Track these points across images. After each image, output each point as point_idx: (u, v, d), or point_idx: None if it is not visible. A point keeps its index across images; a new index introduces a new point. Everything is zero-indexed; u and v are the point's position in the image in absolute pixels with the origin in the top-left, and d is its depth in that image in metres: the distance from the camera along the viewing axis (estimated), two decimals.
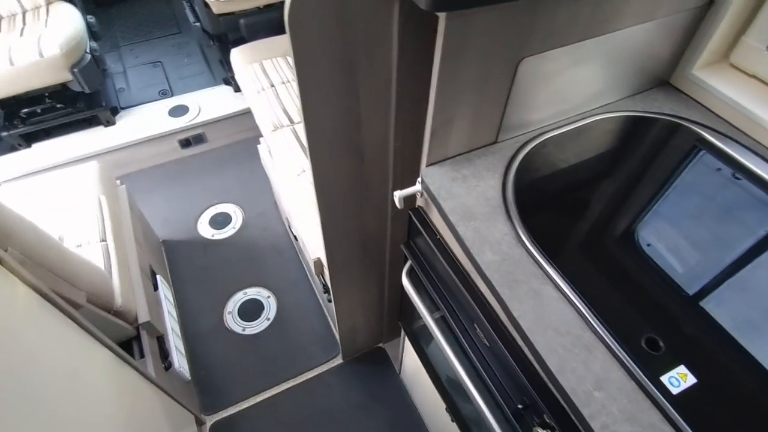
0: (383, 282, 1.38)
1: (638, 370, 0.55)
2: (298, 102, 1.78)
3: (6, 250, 0.78)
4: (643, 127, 0.89)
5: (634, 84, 0.92)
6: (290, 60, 1.99)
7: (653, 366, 0.56)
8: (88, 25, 2.17)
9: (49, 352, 0.79)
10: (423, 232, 0.84)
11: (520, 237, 0.69)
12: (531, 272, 0.65)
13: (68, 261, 1.01)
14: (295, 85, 1.86)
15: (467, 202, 0.74)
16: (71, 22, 2.01)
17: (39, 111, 2.14)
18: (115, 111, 2.40)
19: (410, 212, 0.87)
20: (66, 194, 1.52)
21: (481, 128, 0.77)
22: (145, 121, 2.38)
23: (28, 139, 2.23)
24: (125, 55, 2.80)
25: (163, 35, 2.93)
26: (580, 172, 0.84)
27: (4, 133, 2.14)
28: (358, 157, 0.88)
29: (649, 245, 0.70)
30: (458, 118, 0.71)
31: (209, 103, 2.48)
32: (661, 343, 0.58)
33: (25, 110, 2.11)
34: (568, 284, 0.63)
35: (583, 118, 0.89)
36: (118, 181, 1.76)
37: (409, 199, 0.83)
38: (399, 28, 0.67)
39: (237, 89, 2.53)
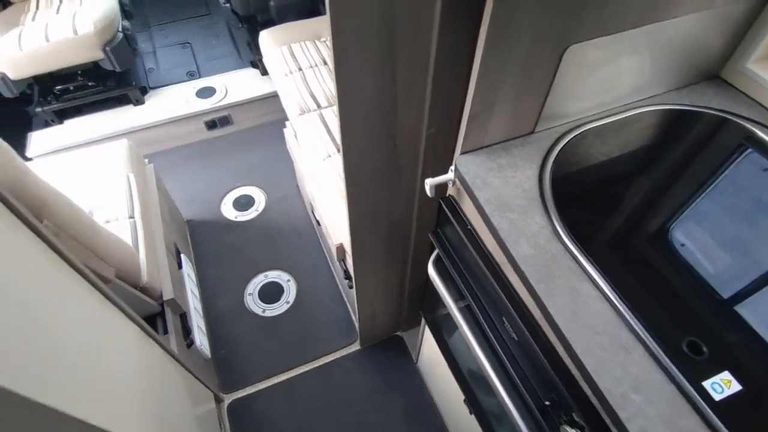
0: (406, 270, 1.37)
1: (679, 373, 0.53)
2: (325, 86, 1.78)
3: (42, 222, 0.79)
4: (689, 121, 0.85)
5: (682, 76, 0.88)
6: (319, 44, 1.98)
7: (695, 370, 0.53)
8: (121, 4, 2.19)
9: (79, 323, 0.80)
10: (453, 221, 0.82)
11: (558, 231, 0.67)
12: (568, 268, 0.63)
13: (99, 236, 1.02)
14: (323, 69, 1.85)
15: (503, 193, 0.72)
16: (105, 1, 2.03)
17: (71, 88, 2.17)
18: (144, 90, 2.42)
19: (440, 201, 0.85)
20: (96, 171, 1.54)
21: (520, 117, 0.74)
22: (172, 102, 2.39)
23: (61, 116, 2.27)
24: (155, 35, 2.81)
25: (192, 16, 2.94)
26: (620, 166, 0.81)
27: (38, 109, 2.18)
28: (390, 141, 0.86)
29: (683, 245, 0.67)
30: (497, 105, 0.69)
31: (236, 85, 2.48)
32: (704, 348, 0.55)
33: (59, 87, 2.14)
34: (607, 282, 0.60)
35: (626, 110, 0.85)
36: (146, 160, 1.78)
37: (440, 188, 0.81)
38: (442, 7, 0.65)
39: (264, 72, 2.52)
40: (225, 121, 2.46)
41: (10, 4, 2.15)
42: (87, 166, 1.56)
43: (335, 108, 1.66)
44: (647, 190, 0.77)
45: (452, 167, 0.77)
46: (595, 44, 0.69)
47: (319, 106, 1.73)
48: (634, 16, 0.69)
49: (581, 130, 0.81)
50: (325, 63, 1.89)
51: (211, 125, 2.45)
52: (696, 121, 0.85)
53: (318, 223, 1.78)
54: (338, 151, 1.56)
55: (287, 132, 1.88)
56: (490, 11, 0.55)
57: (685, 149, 0.83)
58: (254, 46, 2.49)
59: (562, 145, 0.78)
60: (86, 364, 0.75)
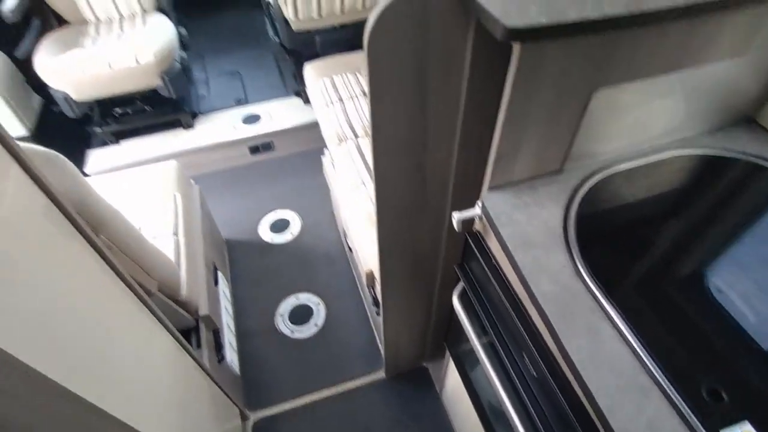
0: (432, 300, 1.39)
1: (696, 420, 0.53)
2: (363, 117, 1.85)
3: (98, 236, 0.87)
4: (722, 167, 0.85)
5: (715, 119, 0.89)
6: (359, 76, 2.07)
7: (713, 418, 0.53)
8: (179, 36, 2.36)
9: (123, 331, 0.86)
10: (479, 256, 0.84)
11: (579, 270, 0.68)
12: (588, 307, 0.64)
13: (146, 251, 1.10)
14: (362, 100, 1.93)
15: (527, 230, 0.74)
16: (165, 33, 2.20)
17: (129, 111, 2.35)
18: (194, 115, 2.57)
19: (467, 235, 0.88)
20: (147, 189, 1.65)
21: (547, 156, 0.77)
22: (220, 127, 2.53)
23: (118, 136, 2.44)
24: (209, 65, 3.00)
25: (243, 47, 3.13)
26: (647, 208, 0.82)
27: (98, 129, 2.36)
28: (420, 174, 0.90)
29: (720, 291, 0.67)
30: (524, 145, 0.72)
31: (280, 113, 2.61)
32: (724, 395, 0.55)
33: (118, 110, 2.31)
34: (627, 323, 0.61)
35: (656, 152, 0.86)
36: (193, 181, 1.89)
37: (467, 222, 0.84)
38: (472, 51, 0.69)
39: (307, 101, 2.64)
40: (267, 146, 2.58)
41: (66, 23, 2.35)
42: (139, 184, 1.68)
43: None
44: (676, 233, 0.77)
45: (479, 202, 0.80)
46: (624, 88, 0.72)
47: (356, 135, 1.80)
48: (664, 62, 0.71)
49: (609, 171, 0.83)
50: (365, 94, 1.97)
51: (254, 150, 2.57)
52: (730, 167, 0.85)
53: (350, 249, 1.83)
54: (372, 180, 1.61)
55: (325, 160, 1.95)
56: (517, 59, 0.58)
57: (718, 195, 0.83)
58: (298, 77, 2.61)
59: (588, 186, 0.80)
60: (127, 369, 0.80)
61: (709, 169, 0.86)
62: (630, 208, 0.82)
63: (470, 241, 0.87)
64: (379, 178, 0.89)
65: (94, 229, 0.86)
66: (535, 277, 0.68)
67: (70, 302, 0.70)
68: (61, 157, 0.85)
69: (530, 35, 0.55)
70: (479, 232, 0.86)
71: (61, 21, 2.32)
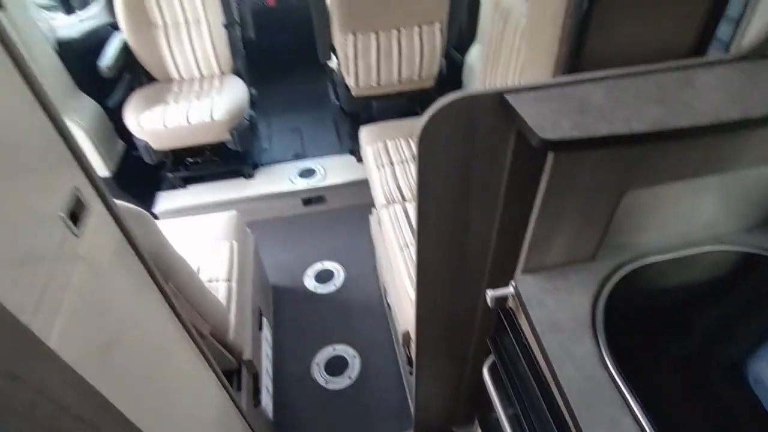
0: (464, 367, 1.41)
1: None
2: (412, 181, 1.96)
3: (168, 283, 0.98)
4: (759, 265, 0.86)
5: (752, 217, 0.91)
6: (411, 142, 2.20)
7: None
8: (250, 96, 2.60)
9: (177, 369, 0.96)
10: (510, 333, 0.88)
11: (605, 359, 0.71)
12: (611, 398, 0.67)
13: (205, 298, 1.21)
14: (411, 165, 2.04)
15: (556, 315, 0.78)
16: (238, 93, 2.44)
17: (199, 160, 2.58)
18: (256, 166, 2.78)
19: (500, 311, 0.92)
20: (209, 234, 1.79)
21: (579, 246, 0.82)
22: (278, 178, 2.72)
23: (186, 181, 2.67)
24: (273, 121, 3.26)
25: (305, 107, 3.38)
26: (679, 300, 0.84)
27: (170, 174, 2.60)
28: (460, 251, 0.96)
29: (758, 382, 0.67)
30: (557, 236, 0.78)
31: (334, 169, 2.77)
32: None
33: (190, 159, 2.56)
34: (648, 420, 0.63)
35: (690, 246, 0.89)
36: (249, 230, 2.03)
37: (501, 300, 0.89)
38: (513, 152, 0.77)
39: (359, 160, 2.80)
40: (319, 199, 2.73)
41: (154, 80, 2.65)
42: (202, 229, 1.83)
43: None
44: (706, 330, 0.79)
45: (512, 283, 0.85)
46: (655, 189, 0.77)
47: (403, 198, 1.90)
48: (694, 168, 0.76)
49: (641, 263, 0.86)
50: (414, 159, 2.09)
51: (307, 202, 2.73)
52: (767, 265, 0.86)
53: (389, 306, 1.88)
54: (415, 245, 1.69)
55: (372, 218, 2.06)
56: (550, 165, 0.66)
57: (755, 291, 0.84)
58: (354, 137, 2.79)
59: (620, 276, 0.84)
60: (177, 405, 0.88)
61: (745, 265, 0.87)
62: (661, 299, 0.84)
63: (503, 317, 0.91)
64: (421, 251, 0.96)
65: (165, 277, 0.98)
66: (560, 362, 0.72)
67: (138, 338, 0.80)
68: (147, 214, 0.98)
69: (563, 146, 0.62)
70: (512, 310, 0.91)
71: (150, 78, 2.63)
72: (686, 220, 0.88)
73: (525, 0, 1.89)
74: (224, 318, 1.42)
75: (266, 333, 1.83)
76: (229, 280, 1.63)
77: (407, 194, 1.91)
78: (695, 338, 0.78)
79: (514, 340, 0.86)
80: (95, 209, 0.72)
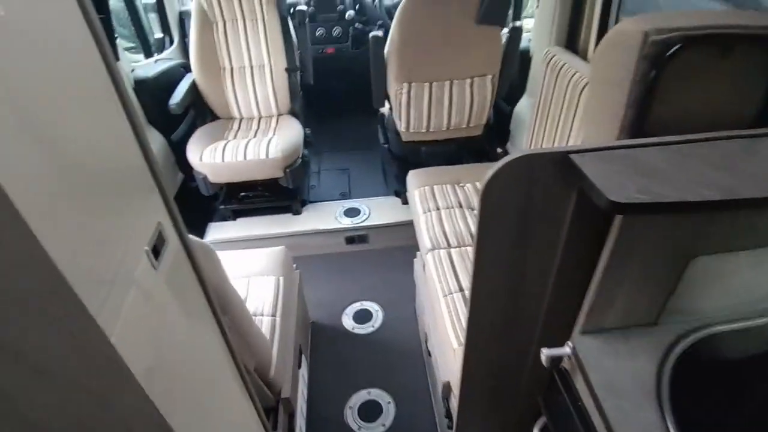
0: (508, 426, 1.35)
1: None
2: (457, 227, 1.96)
3: (225, 317, 1.02)
4: None
5: None
6: (458, 188, 2.22)
7: None
8: (305, 135, 2.71)
9: (224, 404, 0.97)
10: (564, 394, 0.85)
11: (669, 430, 0.67)
12: None
13: (253, 333, 1.24)
14: (457, 211, 2.05)
15: (617, 379, 0.75)
16: (293, 133, 2.56)
17: (251, 195, 2.69)
18: (303, 203, 2.86)
19: (553, 371, 0.90)
20: (257, 268, 1.84)
21: (641, 309, 0.80)
22: (324, 216, 2.79)
23: (236, 214, 2.77)
24: (323, 159, 3.38)
25: (354, 148, 3.49)
26: (747, 374, 0.79)
27: (222, 207, 2.71)
28: (513, 304, 0.95)
29: None
30: (618, 298, 0.76)
31: (378, 209, 2.82)
32: None
33: (243, 193, 2.67)
34: None
35: (758, 317, 0.84)
36: (295, 265, 2.08)
37: (555, 359, 0.86)
38: (573, 210, 0.77)
39: (404, 202, 2.83)
40: (362, 239, 2.77)
41: (218, 118, 2.81)
42: (251, 262, 1.88)
43: (463, 250, 1.82)
44: None
45: (569, 343, 0.83)
46: (723, 257, 0.75)
47: (449, 245, 1.90)
48: (765, 236, 0.73)
49: (709, 331, 0.82)
50: (461, 206, 2.10)
51: (350, 240, 2.77)
52: None
53: (429, 353, 1.85)
54: (460, 290, 1.67)
55: (417, 262, 2.06)
56: (617, 229, 0.65)
57: None
58: (400, 179, 2.85)
59: (686, 343, 0.80)
60: None
61: None
62: (727, 369, 0.80)
63: (557, 377, 0.88)
64: (474, 300, 0.95)
65: (222, 310, 1.01)
66: (621, 429, 0.69)
67: (191, 367, 0.82)
68: (213, 250, 1.03)
69: (631, 209, 0.62)
70: (566, 370, 0.88)
71: (212, 115, 2.80)
72: (753, 289, 0.84)
73: (582, 60, 1.93)
74: (267, 354, 1.44)
75: (304, 371, 1.83)
76: (273, 315, 1.66)
77: (452, 240, 1.91)
78: (763, 413, 0.73)
79: (569, 402, 0.83)
80: (173, 244, 0.76)
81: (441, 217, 2.03)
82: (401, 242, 2.77)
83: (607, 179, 0.66)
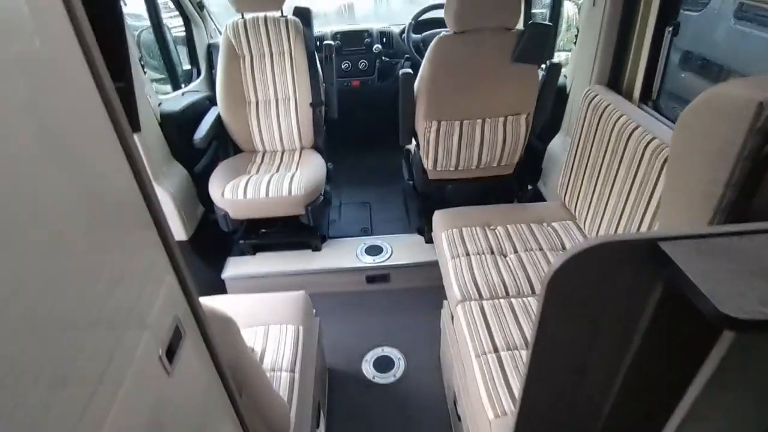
0: None
1: None
2: (489, 276, 1.83)
3: (241, 396, 0.91)
4: None
5: None
6: (488, 231, 2.10)
7: None
8: (327, 171, 2.64)
9: None
10: None
11: None
12: None
13: (270, 400, 1.12)
14: (488, 258, 1.92)
15: None
16: (316, 170, 2.48)
17: (271, 230, 2.61)
18: (324, 239, 2.77)
19: None
20: (276, 314, 1.73)
21: (742, 428, 0.66)
22: (344, 253, 2.68)
23: (255, 249, 2.69)
24: (343, 193, 3.30)
25: (376, 182, 3.41)
26: None
27: (241, 241, 2.63)
28: (570, 400, 0.82)
29: None
30: (715, 418, 0.62)
31: (401, 248, 2.70)
32: None
33: (263, 230, 2.59)
34: None
35: None
36: (314, 310, 1.96)
37: None
38: (656, 307, 0.65)
39: (428, 241, 2.72)
40: (384, 278, 2.65)
41: (241, 151, 2.75)
42: (269, 307, 1.77)
43: (497, 303, 1.69)
44: None
45: None
46: None
47: (480, 296, 1.76)
48: None
49: None
50: (492, 252, 1.97)
51: (371, 279, 2.65)
52: None
53: (459, 417, 1.70)
54: (494, 350, 1.53)
55: (444, 312, 1.93)
56: (726, 348, 0.53)
57: None
58: (424, 217, 2.74)
59: None
60: None
61: None
62: None
63: None
64: (527, 394, 0.82)
65: (239, 388, 0.90)
66: None
67: None
68: (233, 321, 0.93)
69: (753, 327, 0.49)
70: None
71: (235, 148, 2.75)
72: None
73: (627, 101, 1.82)
74: (285, 417, 1.32)
75: (322, 429, 1.70)
76: (292, 370, 1.54)
77: (485, 291, 1.77)
78: None
79: None
80: (189, 339, 0.66)
81: (471, 264, 1.90)
82: (424, 282, 2.64)
83: (714, 281, 0.53)
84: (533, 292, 1.78)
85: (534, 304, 1.69)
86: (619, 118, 1.72)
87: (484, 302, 1.73)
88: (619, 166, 1.70)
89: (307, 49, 2.54)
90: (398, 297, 2.63)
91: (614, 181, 1.74)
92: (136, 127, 0.60)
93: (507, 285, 1.79)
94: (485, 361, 1.52)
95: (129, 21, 2.95)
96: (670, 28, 1.73)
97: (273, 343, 1.62)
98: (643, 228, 1.55)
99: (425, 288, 2.62)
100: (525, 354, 1.51)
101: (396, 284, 2.68)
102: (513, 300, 1.72)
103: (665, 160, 1.45)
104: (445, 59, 2.02)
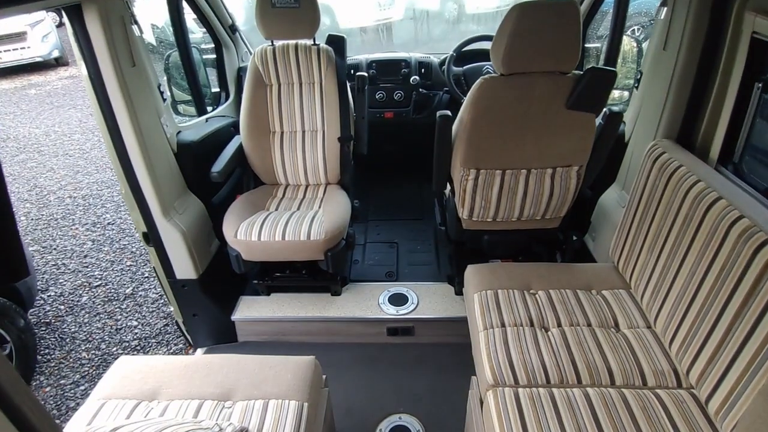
0: None
1: None
2: (527, 355, 1.57)
3: None
4: None
5: None
6: (528, 296, 1.83)
7: None
8: (352, 209, 2.43)
9: None
10: None
11: None
12: None
13: None
14: (528, 331, 1.65)
15: None
16: (340, 211, 2.27)
17: (287, 273, 2.41)
18: (344, 282, 2.55)
19: None
20: (279, 383, 1.51)
21: None
22: (365, 301, 2.46)
23: (269, 289, 2.50)
24: (370, 230, 3.08)
25: (405, 219, 3.18)
26: None
27: (255, 281, 2.45)
28: None
29: None
30: None
31: (428, 299, 2.46)
32: None
33: (278, 273, 2.40)
34: None
35: None
36: (324, 376, 1.74)
37: None
38: None
39: (458, 293, 2.47)
40: (407, 331, 2.41)
41: (262, 183, 2.58)
42: (274, 372, 1.56)
43: (535, 392, 1.42)
44: None
45: None
46: None
47: (516, 382, 1.50)
48: None
49: None
50: (531, 324, 1.71)
51: (393, 332, 2.41)
52: None
53: None
54: None
55: (472, 393, 1.67)
56: None
57: None
58: (455, 265, 2.49)
59: None
60: None
61: None
62: None
63: None
64: None
65: None
66: None
67: None
68: None
69: None
70: None
71: (256, 179, 2.58)
72: None
73: (702, 162, 1.54)
74: None
75: None
76: None
77: (521, 376, 1.51)
78: None
79: None
80: None
81: (506, 339, 1.64)
82: (451, 339, 2.39)
83: None
84: (578, 381, 1.50)
85: (579, 398, 1.42)
86: (694, 184, 1.45)
87: (520, 390, 1.46)
88: (692, 242, 1.43)
89: (339, 78, 2.37)
90: (422, 353, 2.37)
91: (684, 257, 1.46)
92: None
93: (548, 370, 1.53)
94: None
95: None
96: (760, 84, 1.45)
97: (270, 425, 1.40)
98: (719, 329, 1.27)
99: (453, 344, 2.36)
100: None
101: (421, 338, 2.43)
102: (554, 390, 1.45)
103: (757, 248, 1.18)
104: (489, 103, 1.80)
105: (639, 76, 1.97)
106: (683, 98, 1.68)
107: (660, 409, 1.37)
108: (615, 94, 2.72)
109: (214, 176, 2.15)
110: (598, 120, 1.88)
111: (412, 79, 2.97)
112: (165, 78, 2.75)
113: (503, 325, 1.71)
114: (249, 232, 2.11)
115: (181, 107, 2.86)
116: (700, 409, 1.37)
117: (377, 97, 3.03)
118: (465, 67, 2.90)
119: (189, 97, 2.82)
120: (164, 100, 2.07)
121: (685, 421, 1.34)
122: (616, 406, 1.39)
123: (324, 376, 1.73)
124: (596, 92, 1.71)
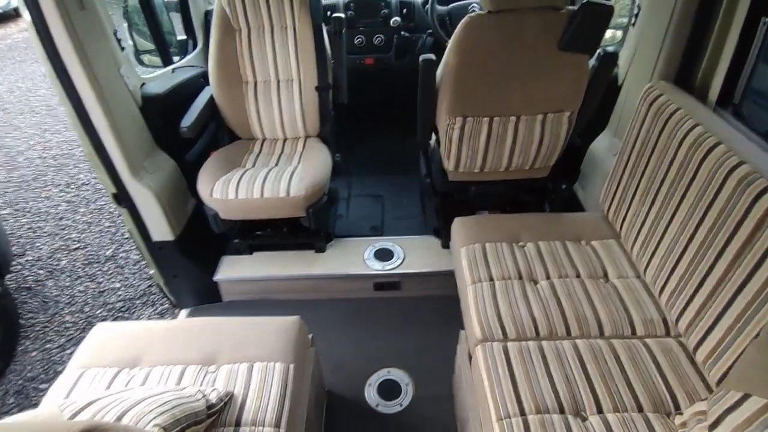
0: None
1: None
2: (516, 310, 1.54)
3: None
4: None
5: None
6: (516, 249, 1.78)
7: None
8: (334, 163, 2.32)
9: None
10: None
11: None
12: None
13: None
14: (516, 284, 1.62)
15: None
16: (320, 164, 2.16)
17: (269, 231, 2.33)
18: (329, 238, 2.49)
19: None
20: (263, 350, 1.47)
21: None
22: (351, 257, 2.41)
23: (252, 248, 2.43)
24: (353, 183, 2.99)
25: (390, 173, 3.08)
26: None
27: (236, 240, 2.37)
28: None
29: None
30: None
31: (414, 252, 2.42)
32: None
33: (259, 232, 2.31)
34: None
35: None
36: (311, 335, 1.70)
37: None
38: None
39: (445, 246, 2.43)
40: (394, 286, 2.38)
41: (238, 138, 2.45)
42: (258, 335, 1.51)
43: (524, 345, 1.40)
44: None
45: None
46: None
47: (505, 335, 1.48)
48: None
49: None
50: (520, 276, 1.67)
51: (379, 287, 2.38)
52: None
53: None
54: (521, 413, 1.26)
55: (460, 347, 1.65)
56: None
57: None
58: (442, 217, 2.43)
59: None
60: None
61: None
62: None
63: None
64: None
65: None
66: None
67: None
68: None
69: None
70: None
71: (231, 134, 2.44)
72: None
73: (701, 104, 1.45)
74: None
75: None
76: (277, 425, 1.29)
77: (510, 329, 1.49)
78: None
79: None
80: None
81: (495, 293, 1.61)
82: (439, 291, 2.37)
83: None
84: (568, 333, 1.48)
85: (569, 349, 1.40)
86: (692, 128, 1.37)
87: (509, 344, 1.44)
88: (687, 189, 1.37)
89: (314, 21, 2.18)
90: (409, 307, 2.36)
91: (678, 206, 1.41)
92: None
93: (537, 323, 1.50)
94: (508, 425, 1.25)
95: None
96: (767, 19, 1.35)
97: (256, 389, 1.37)
98: (711, 277, 1.24)
99: (440, 297, 2.34)
100: (557, 419, 1.24)
101: (407, 292, 2.41)
102: (544, 343, 1.43)
103: (758, 195, 1.12)
104: (476, 44, 1.66)
105: (637, 11, 1.84)
106: (683, 35, 1.57)
107: (648, 358, 1.36)
108: (607, 34, 2.58)
109: (184, 131, 2.01)
110: (592, 61, 1.76)
111: (392, 20, 2.78)
112: (125, 25, 2.53)
113: (491, 278, 1.67)
114: (225, 191, 2.01)
115: (145, 57, 2.65)
116: (688, 357, 1.36)
117: (356, 42, 2.84)
118: (450, 6, 2.71)
119: (153, 47, 2.61)
120: (122, 48, 1.90)
121: (673, 369, 1.33)
122: (605, 355, 1.37)
123: (311, 335, 1.70)
124: (591, 30, 1.59)
